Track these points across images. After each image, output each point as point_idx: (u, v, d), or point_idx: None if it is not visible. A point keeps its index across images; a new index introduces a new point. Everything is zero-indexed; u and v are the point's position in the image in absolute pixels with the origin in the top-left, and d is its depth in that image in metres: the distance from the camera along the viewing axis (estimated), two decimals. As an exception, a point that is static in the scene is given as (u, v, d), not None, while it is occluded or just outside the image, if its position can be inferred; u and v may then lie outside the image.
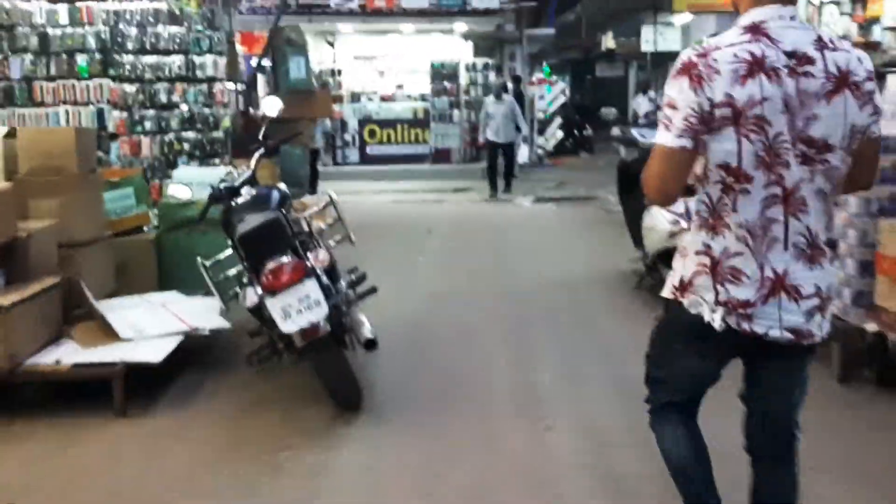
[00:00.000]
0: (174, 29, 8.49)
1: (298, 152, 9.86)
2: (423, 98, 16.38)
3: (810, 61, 1.86)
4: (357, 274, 4.71)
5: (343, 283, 4.39)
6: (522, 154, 15.40)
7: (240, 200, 4.25)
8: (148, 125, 8.52)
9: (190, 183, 5.28)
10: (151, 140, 8.58)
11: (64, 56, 8.32)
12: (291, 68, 9.76)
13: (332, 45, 17.04)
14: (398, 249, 8.47)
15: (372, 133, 16.18)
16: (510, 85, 15.20)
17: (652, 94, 16.55)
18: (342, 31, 16.22)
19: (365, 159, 16.10)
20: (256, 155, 4.70)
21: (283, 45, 9.77)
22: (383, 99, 16.44)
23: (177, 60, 8.51)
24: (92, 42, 8.34)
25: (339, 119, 16.06)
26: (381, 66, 16.87)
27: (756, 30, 1.89)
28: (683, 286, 2.05)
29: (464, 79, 16.04)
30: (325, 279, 3.97)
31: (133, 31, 8.42)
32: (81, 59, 8.34)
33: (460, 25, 15.56)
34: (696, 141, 1.90)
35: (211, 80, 8.64)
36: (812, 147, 1.88)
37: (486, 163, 12.88)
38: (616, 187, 7.07)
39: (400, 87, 16.59)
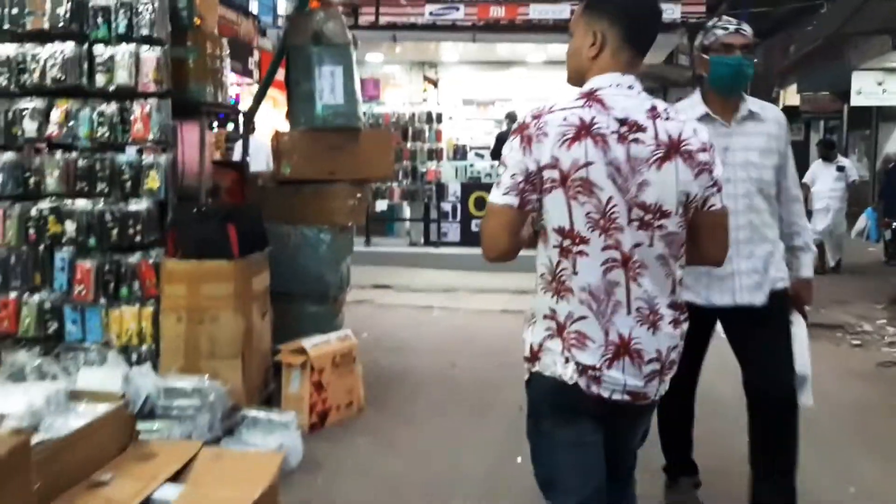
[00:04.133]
0: (59, -10, 4.15)
1: (327, 240, 5.28)
2: (554, 156, 11.66)
3: (641, 129, 1.91)
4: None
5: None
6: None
7: None
8: (-4, 183, 4.18)
9: None
10: (4, 215, 4.22)
11: None
12: (321, 88, 5.25)
13: (434, 83, 12.66)
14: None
15: (480, 203, 11.43)
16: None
17: (846, 162, 11.07)
18: (445, 62, 11.78)
19: (469, 239, 11.33)
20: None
21: (306, 44, 5.30)
22: (497, 156, 11.79)
23: (61, 51, 4.14)
24: None
25: (434, 181, 11.54)
26: (498, 113, 12.36)
27: (591, 96, 1.94)
28: (534, 353, 2.03)
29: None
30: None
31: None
32: None
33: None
34: (523, 200, 1.93)
35: (127, 96, 4.21)
36: (647, 212, 1.91)
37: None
38: None
39: (522, 140, 11.97)
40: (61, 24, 4.13)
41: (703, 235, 2.04)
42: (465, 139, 11.84)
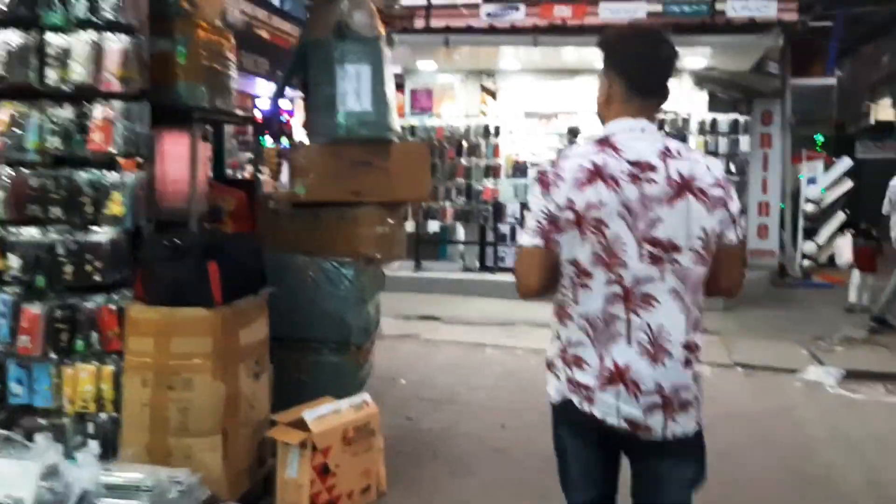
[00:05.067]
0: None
1: (349, 275, 4.32)
2: (624, 173, 10.53)
3: (652, 169, 1.98)
4: None
5: None
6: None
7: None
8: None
9: None
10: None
11: None
12: (344, 91, 4.30)
13: (493, 94, 11.65)
14: None
15: (541, 224, 10.38)
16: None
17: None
18: (504, 70, 10.75)
19: (528, 264, 10.28)
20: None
21: (327, 38, 4.36)
22: (562, 173, 10.69)
23: (4, 41, 3.28)
24: None
25: (490, 201, 10.51)
26: (563, 127, 11.28)
27: (605, 142, 2.04)
28: (549, 366, 2.17)
29: (696, 144, 9.94)
30: None
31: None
32: None
33: (697, 60, 9.59)
34: (548, 240, 2.03)
35: (88, 97, 3.32)
36: (659, 247, 1.98)
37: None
38: None
39: (589, 155, 10.81)
40: (5, 8, 3.27)
41: (718, 269, 2.07)
42: (525, 155, 10.77)
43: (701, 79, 10.37)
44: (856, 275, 9.17)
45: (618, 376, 1.98)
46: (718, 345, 7.76)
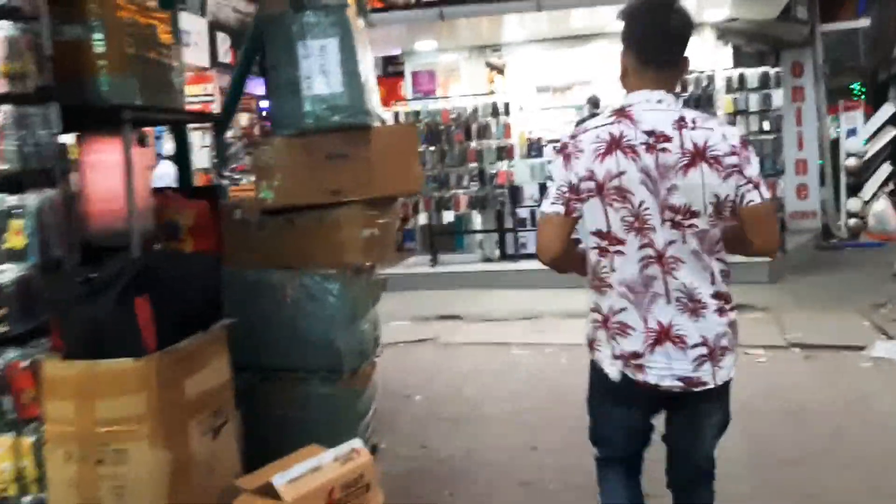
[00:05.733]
0: None
1: (334, 289, 3.63)
2: (648, 142, 9.73)
3: (667, 139, 2.06)
4: None
5: None
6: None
7: None
8: None
9: None
10: None
11: None
12: (308, 72, 3.60)
13: (500, 70, 10.89)
14: None
15: (563, 205, 9.61)
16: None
17: None
18: (510, 42, 9.97)
19: (551, 249, 9.52)
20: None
21: (283, 11, 3.65)
22: (580, 148, 9.88)
23: None
24: None
25: (506, 184, 9.77)
26: (578, 99, 10.50)
27: (622, 112, 2.12)
28: (591, 344, 2.27)
29: (723, 103, 9.09)
30: None
31: None
32: None
33: (718, 12, 8.73)
34: (569, 208, 2.13)
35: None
36: (677, 213, 2.08)
37: None
38: None
39: (608, 127, 9.98)
40: None
41: (748, 230, 2.14)
42: (539, 132, 9.99)
43: (724, 32, 9.51)
44: None
45: (664, 335, 2.10)
46: (769, 322, 6.98)
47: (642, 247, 2.09)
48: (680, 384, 2.11)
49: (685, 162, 2.05)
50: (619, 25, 2.18)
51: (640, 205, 2.07)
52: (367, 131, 3.68)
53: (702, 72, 9.01)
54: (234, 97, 4.11)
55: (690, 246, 2.09)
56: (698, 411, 2.23)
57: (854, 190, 11.00)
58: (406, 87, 10.44)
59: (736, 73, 9.08)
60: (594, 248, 2.16)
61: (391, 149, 3.77)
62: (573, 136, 2.16)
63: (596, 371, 2.27)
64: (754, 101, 8.96)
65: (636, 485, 2.40)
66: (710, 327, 2.11)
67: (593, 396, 2.35)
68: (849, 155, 11.03)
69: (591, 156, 2.09)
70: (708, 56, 9.29)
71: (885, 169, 10.96)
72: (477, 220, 10.20)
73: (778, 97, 8.91)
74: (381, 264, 4.07)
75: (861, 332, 6.45)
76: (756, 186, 2.09)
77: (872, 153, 11.11)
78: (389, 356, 6.50)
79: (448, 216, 10.06)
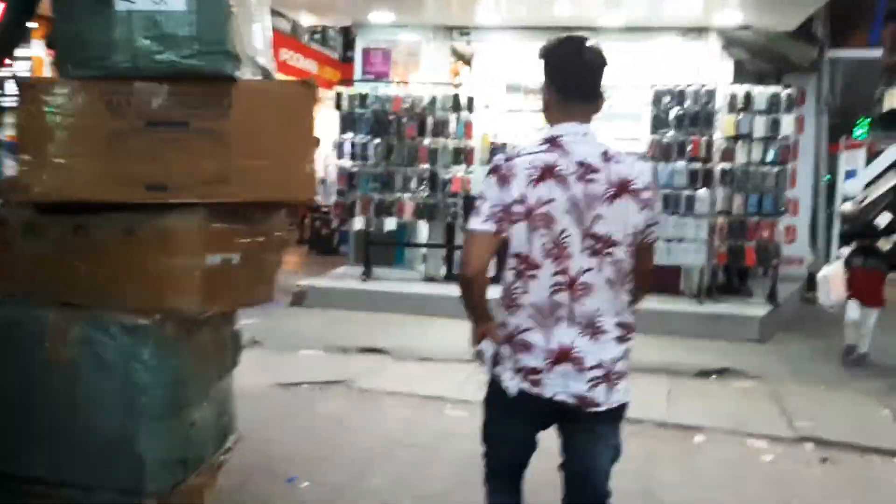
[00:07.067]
0: None
1: (145, 353, 2.05)
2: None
3: (595, 171, 2.21)
4: None
5: None
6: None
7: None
8: None
9: None
10: None
11: None
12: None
13: (466, 60, 9.40)
14: None
15: (524, 224, 8.15)
16: None
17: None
18: (481, 26, 8.49)
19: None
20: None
21: None
22: (552, 159, 8.45)
23: None
24: None
25: (461, 193, 8.26)
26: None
27: (554, 142, 2.25)
28: (496, 359, 2.34)
29: (723, 125, 7.73)
30: None
31: None
32: None
33: (729, 15, 7.38)
34: (500, 227, 2.22)
35: None
36: (598, 241, 2.22)
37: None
38: None
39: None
40: None
41: (640, 263, 2.33)
42: (505, 136, 8.51)
43: (729, 41, 8.17)
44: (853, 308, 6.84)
45: (564, 355, 2.23)
46: (765, 399, 5.65)
47: (556, 273, 2.22)
48: (573, 401, 2.23)
49: (611, 193, 2.20)
50: (543, 63, 2.29)
51: (560, 233, 2.20)
52: (225, 87, 2.15)
53: (702, 85, 7.66)
54: (13, 17, 2.49)
55: (605, 274, 2.24)
56: (594, 433, 2.34)
57: (848, 238, 9.80)
58: (356, 66, 8.88)
59: (741, 89, 7.72)
60: (512, 269, 2.27)
61: (268, 121, 2.24)
62: (507, 159, 2.26)
63: (495, 385, 2.35)
64: (760, 126, 7.62)
65: (518, 495, 2.52)
66: (607, 352, 2.26)
67: (487, 409, 2.46)
68: (845, 199, 9.82)
69: (524, 181, 2.19)
70: (710, 68, 7.95)
71: (886, 217, 9.77)
72: (423, 232, 8.73)
73: (788, 123, 7.58)
74: (238, 306, 2.52)
75: (884, 426, 5.16)
76: (656, 225, 2.35)
77: (872, 199, 9.93)
78: (282, 404, 4.99)
79: (389, 223, 8.51)
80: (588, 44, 2.29)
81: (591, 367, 2.22)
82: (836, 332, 7.42)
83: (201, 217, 2.13)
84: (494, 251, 2.24)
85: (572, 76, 2.25)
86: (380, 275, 8.35)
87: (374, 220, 8.51)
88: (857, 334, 6.78)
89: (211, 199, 2.11)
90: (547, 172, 2.17)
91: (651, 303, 7.91)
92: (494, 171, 2.25)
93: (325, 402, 5.14)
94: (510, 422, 2.37)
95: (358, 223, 8.58)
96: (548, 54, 2.31)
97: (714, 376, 6.19)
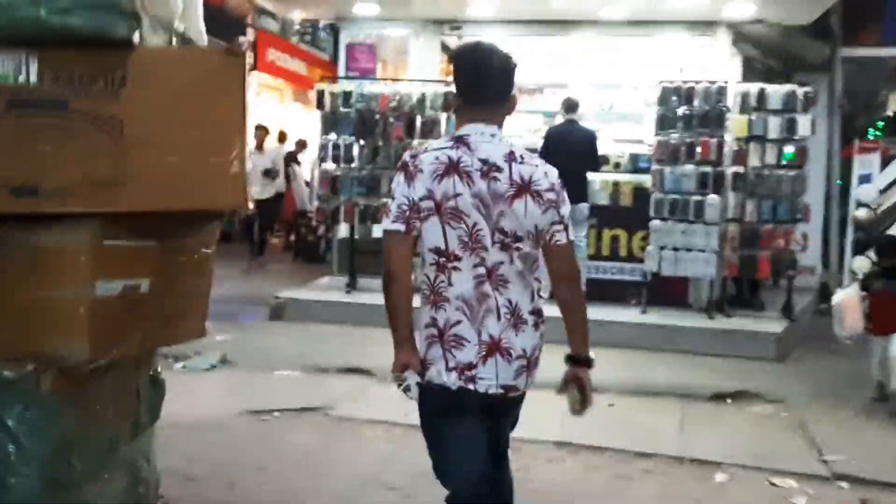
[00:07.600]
0: None
1: (8, 413, 1.47)
2: (635, 164, 7.80)
3: (499, 169, 2.29)
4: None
5: None
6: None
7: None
8: None
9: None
10: None
11: None
12: None
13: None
14: None
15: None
16: None
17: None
18: (473, 19, 7.97)
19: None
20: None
21: None
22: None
23: None
24: None
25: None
26: (550, 104, 8.63)
27: (460, 140, 2.33)
28: (424, 364, 2.34)
29: (735, 125, 7.19)
30: None
31: None
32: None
33: (742, 7, 6.85)
34: (409, 226, 2.28)
35: None
36: (506, 237, 2.30)
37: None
38: None
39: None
40: None
41: (550, 265, 2.40)
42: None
43: (739, 37, 7.64)
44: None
45: (495, 347, 2.29)
46: (790, 428, 5.11)
47: (476, 265, 2.28)
48: (500, 391, 2.30)
49: (512, 192, 2.28)
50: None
51: (473, 226, 2.26)
52: (117, 56, 1.58)
53: (712, 82, 7.11)
54: None
55: (516, 267, 2.32)
56: (508, 417, 2.47)
57: (863, 247, 9.27)
58: (340, 61, 8.34)
59: (754, 88, 7.18)
60: (432, 264, 2.30)
61: (177, 102, 1.67)
62: (413, 156, 2.31)
63: (431, 391, 2.32)
64: (774, 127, 7.07)
65: None
66: (529, 341, 2.35)
67: (429, 423, 2.40)
68: (859, 205, 9.28)
69: (429, 176, 2.24)
70: (720, 65, 7.41)
71: (897, 229, 9.25)
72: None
73: (804, 124, 7.04)
74: (153, 346, 1.94)
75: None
76: (565, 228, 2.37)
77: (887, 206, 9.41)
78: (249, 438, 4.43)
79: (376, 231, 7.95)
80: (496, 49, 2.36)
81: (517, 357, 2.31)
82: (858, 350, 6.87)
83: (90, 231, 1.55)
84: (412, 248, 2.30)
85: (478, 81, 2.32)
86: (365, 286, 7.77)
87: (360, 226, 7.97)
88: (885, 371, 5.96)
89: (101, 209, 1.54)
90: (451, 168, 2.24)
91: (658, 317, 7.36)
92: (402, 168, 2.31)
93: (297, 433, 4.57)
94: (462, 424, 2.32)
95: (342, 230, 8.01)
96: (457, 59, 2.41)
97: (730, 400, 5.65)
